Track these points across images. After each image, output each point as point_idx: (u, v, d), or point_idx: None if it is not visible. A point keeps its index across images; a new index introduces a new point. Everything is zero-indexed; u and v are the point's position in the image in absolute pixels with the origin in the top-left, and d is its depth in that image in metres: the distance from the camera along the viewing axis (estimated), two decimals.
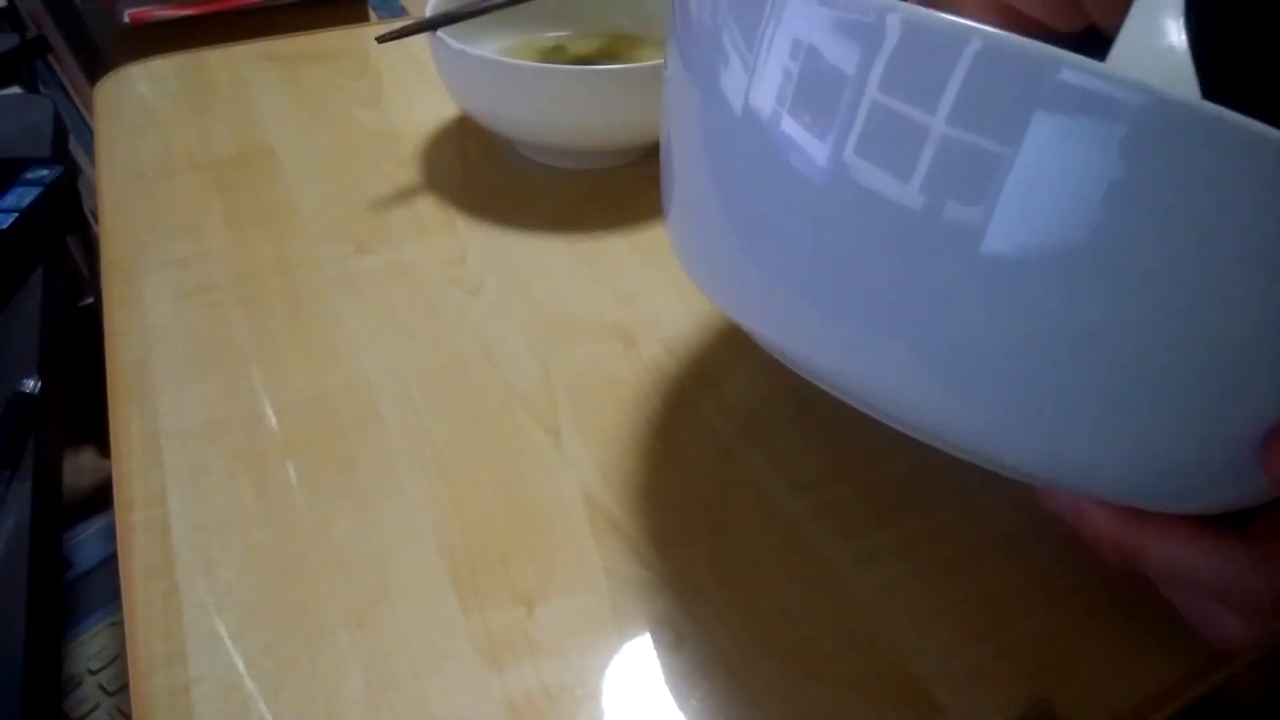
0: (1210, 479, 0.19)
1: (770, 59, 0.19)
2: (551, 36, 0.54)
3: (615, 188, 0.47)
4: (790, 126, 0.18)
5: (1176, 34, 0.24)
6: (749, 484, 0.31)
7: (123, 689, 0.63)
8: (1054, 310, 0.16)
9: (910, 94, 0.16)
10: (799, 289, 0.20)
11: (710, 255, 0.23)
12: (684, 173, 0.23)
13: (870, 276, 0.18)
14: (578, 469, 0.31)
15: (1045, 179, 0.16)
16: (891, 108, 0.17)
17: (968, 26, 0.16)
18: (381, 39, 0.45)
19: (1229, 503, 0.20)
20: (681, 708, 0.25)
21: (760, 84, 0.19)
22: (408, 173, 0.48)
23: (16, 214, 0.62)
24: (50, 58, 1.03)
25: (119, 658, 0.64)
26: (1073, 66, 0.15)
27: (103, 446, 0.89)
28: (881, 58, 0.16)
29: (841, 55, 0.17)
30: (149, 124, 0.52)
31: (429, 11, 0.45)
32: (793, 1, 0.18)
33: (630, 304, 0.39)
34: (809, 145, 0.18)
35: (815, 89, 0.18)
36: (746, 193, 0.20)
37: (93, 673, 0.64)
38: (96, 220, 0.47)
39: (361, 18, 1.01)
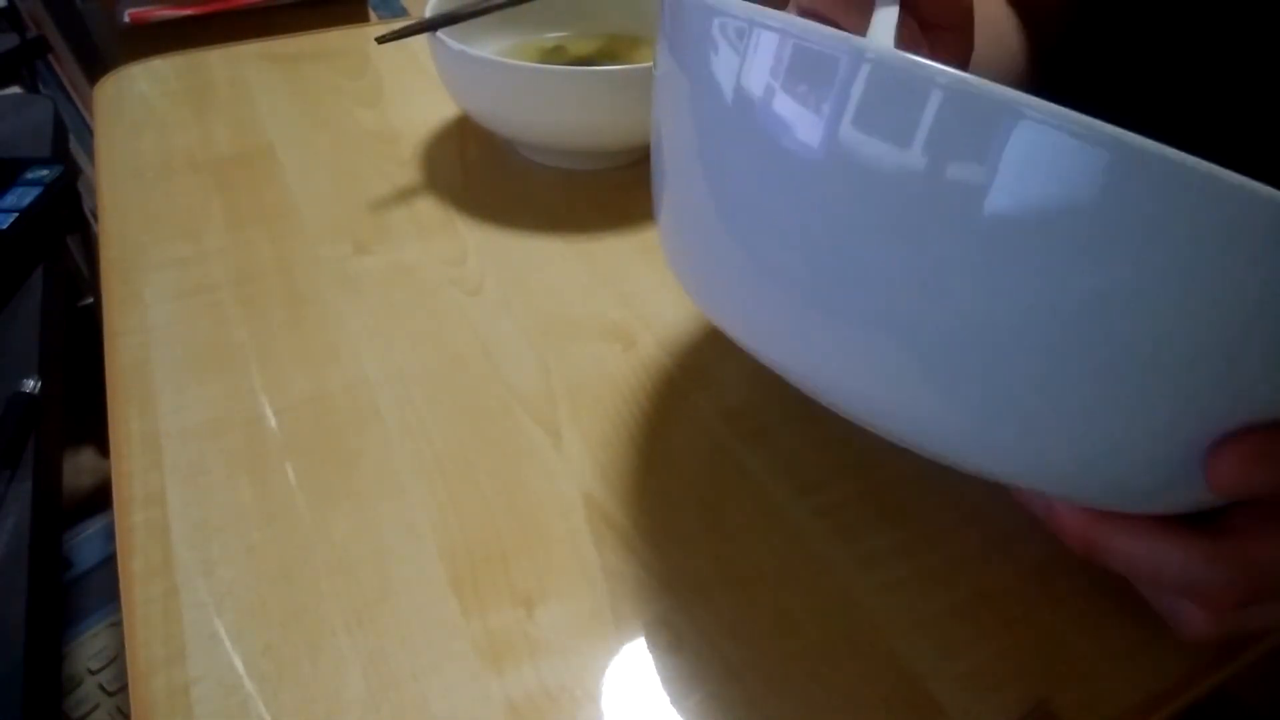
0: (1165, 486, 0.19)
1: (762, 40, 0.19)
2: (551, 36, 0.54)
3: (615, 188, 0.47)
4: (782, 105, 0.19)
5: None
6: (749, 485, 0.31)
7: (123, 689, 0.63)
8: (1016, 332, 0.17)
9: (884, 131, 0.17)
10: (782, 285, 0.20)
11: (700, 262, 0.24)
12: (675, 170, 0.24)
13: (855, 269, 0.19)
14: (577, 469, 0.31)
15: (1013, 220, 0.16)
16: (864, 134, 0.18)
17: (933, 69, 0.16)
18: (381, 39, 0.45)
19: (1187, 506, 0.20)
20: (681, 708, 0.25)
21: (753, 64, 0.20)
22: (408, 173, 0.48)
23: (16, 214, 0.62)
24: (50, 58, 1.04)
25: (119, 658, 0.64)
26: (1036, 111, 0.15)
27: (103, 446, 0.89)
28: (851, 103, 0.17)
29: (812, 93, 0.18)
30: (149, 124, 0.52)
31: (429, 12, 0.45)
32: (765, 38, 0.19)
33: (630, 304, 0.39)
34: (801, 126, 0.19)
35: (808, 63, 0.18)
36: (735, 188, 0.21)
37: (93, 673, 0.64)
38: (96, 220, 0.47)
39: (361, 18, 1.02)
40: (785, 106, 0.19)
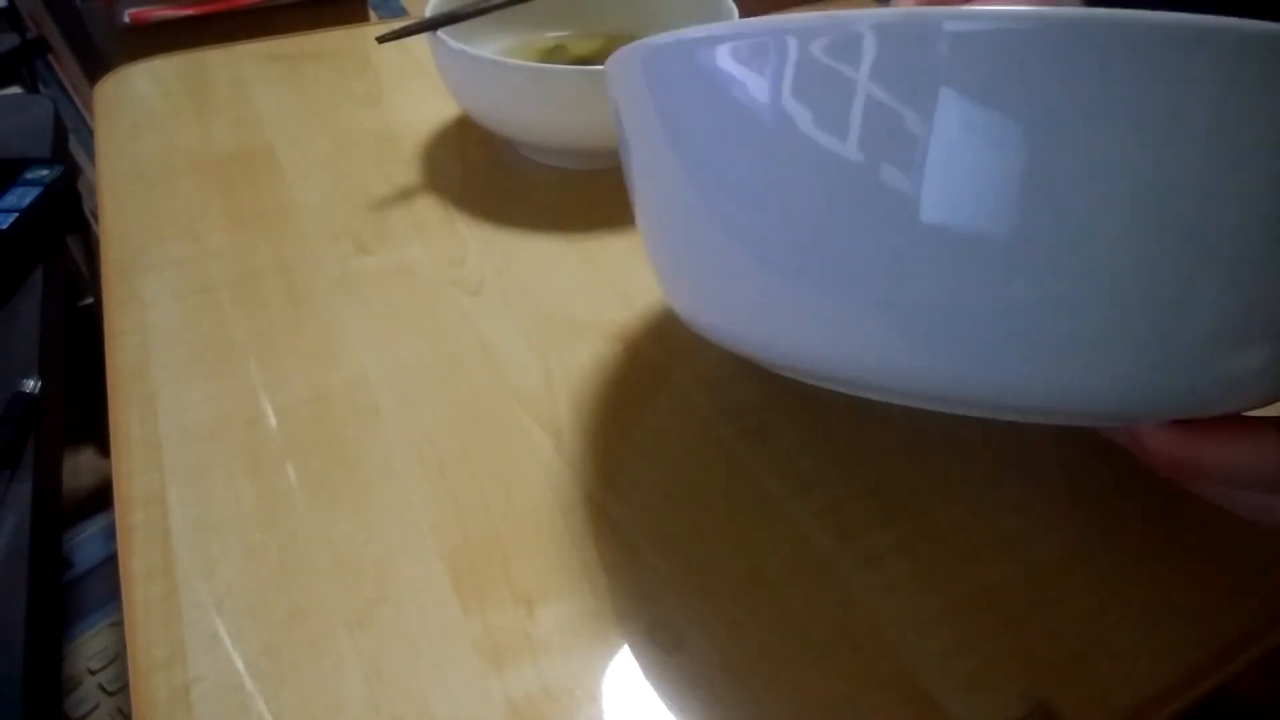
0: (1225, 377, 0.19)
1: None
2: (551, 36, 0.54)
3: (615, 188, 0.47)
4: (743, 83, 0.19)
5: None
6: (750, 485, 0.31)
7: (123, 689, 0.63)
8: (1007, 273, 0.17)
9: (828, 82, 0.17)
10: (760, 258, 0.21)
11: (677, 260, 0.24)
12: (642, 178, 0.24)
13: (830, 240, 0.19)
14: (577, 469, 0.31)
15: (965, 143, 0.16)
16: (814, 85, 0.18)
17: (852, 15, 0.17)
18: (381, 39, 0.45)
19: (1268, 395, 0.20)
20: (681, 708, 0.25)
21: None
22: (408, 173, 0.48)
23: (16, 214, 0.62)
24: (50, 58, 1.04)
25: (119, 658, 0.64)
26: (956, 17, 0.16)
27: (103, 446, 0.89)
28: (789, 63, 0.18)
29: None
30: (149, 124, 0.52)
31: (429, 11, 0.45)
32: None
33: (630, 304, 0.39)
34: (753, 86, 0.19)
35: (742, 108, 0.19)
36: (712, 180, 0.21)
37: (93, 673, 0.64)
38: (96, 220, 0.47)
39: (361, 18, 1.02)
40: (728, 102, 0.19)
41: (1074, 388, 0.18)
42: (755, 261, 0.21)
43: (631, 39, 0.54)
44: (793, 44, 0.18)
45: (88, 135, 0.95)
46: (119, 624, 0.27)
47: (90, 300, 0.94)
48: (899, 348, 0.19)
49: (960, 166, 0.17)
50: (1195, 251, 0.17)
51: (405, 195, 0.46)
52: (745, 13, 0.47)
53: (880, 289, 0.19)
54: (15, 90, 1.02)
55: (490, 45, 0.51)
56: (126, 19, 0.89)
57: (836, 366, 0.21)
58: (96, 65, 0.92)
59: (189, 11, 0.91)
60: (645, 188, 0.24)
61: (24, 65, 1.03)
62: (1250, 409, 0.20)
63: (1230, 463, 0.21)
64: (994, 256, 0.17)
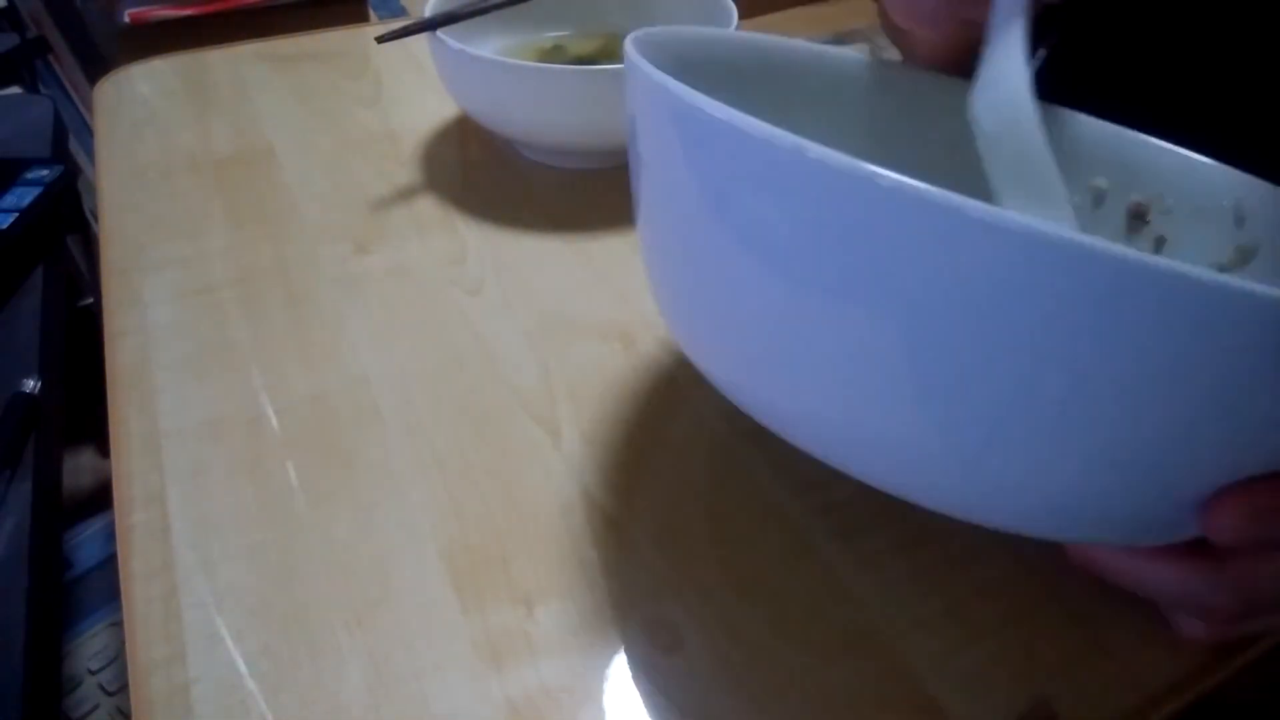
0: (1165, 528, 0.21)
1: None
2: (551, 36, 0.54)
3: (615, 188, 0.47)
4: (730, 261, 0.21)
5: (1020, 68, 0.27)
6: (749, 484, 0.31)
7: (123, 689, 0.63)
8: (1016, 403, 0.18)
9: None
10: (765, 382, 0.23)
11: (673, 310, 0.26)
12: (662, 253, 0.25)
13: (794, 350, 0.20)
14: (577, 468, 0.31)
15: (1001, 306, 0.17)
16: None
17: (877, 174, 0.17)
18: (381, 39, 0.45)
19: (1183, 538, 0.21)
20: (681, 708, 0.25)
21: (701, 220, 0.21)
22: (408, 173, 0.48)
23: (16, 214, 0.62)
24: (50, 58, 1.04)
25: (119, 658, 0.64)
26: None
27: (103, 446, 0.89)
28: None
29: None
30: (149, 124, 0.52)
31: (429, 11, 0.45)
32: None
33: (630, 303, 0.39)
34: (753, 280, 0.20)
35: (757, 230, 0.20)
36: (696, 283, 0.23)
37: (93, 673, 0.64)
38: (96, 220, 0.47)
39: (361, 18, 1.01)
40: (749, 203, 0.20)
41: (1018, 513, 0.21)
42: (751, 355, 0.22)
43: None
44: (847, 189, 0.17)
45: (88, 135, 0.95)
46: (119, 624, 0.27)
47: (90, 300, 0.94)
48: (881, 465, 0.22)
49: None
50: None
51: (405, 195, 0.46)
52: (745, 14, 0.47)
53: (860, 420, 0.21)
54: (15, 90, 1.02)
55: (490, 45, 0.51)
56: (126, 19, 0.89)
57: (806, 444, 0.24)
58: (96, 65, 0.92)
59: (189, 11, 0.91)
60: (654, 218, 0.24)
61: (24, 65, 1.03)
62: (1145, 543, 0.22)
63: (1133, 577, 0.23)
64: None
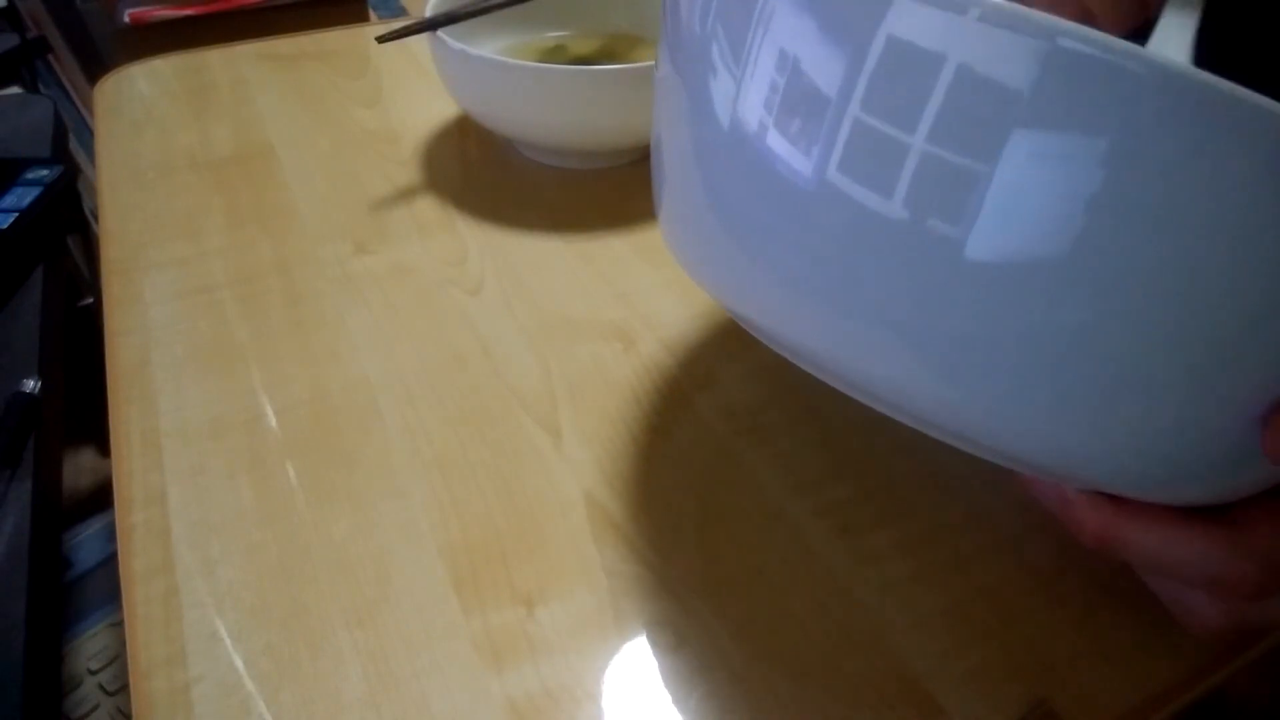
0: (1207, 465, 0.19)
1: (757, 69, 0.19)
2: (551, 36, 0.54)
3: (615, 188, 0.47)
4: (776, 139, 0.18)
5: (1185, 47, 0.25)
6: (749, 484, 0.31)
7: (123, 689, 0.63)
8: (1043, 309, 0.16)
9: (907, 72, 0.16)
10: (792, 286, 0.20)
11: (702, 251, 0.23)
12: (674, 173, 0.23)
13: (861, 279, 0.18)
14: (578, 469, 0.31)
15: (1031, 179, 0.16)
16: (881, 91, 0.17)
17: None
18: (381, 39, 0.45)
19: (1221, 492, 0.20)
20: (681, 708, 0.25)
21: (747, 95, 0.19)
22: (408, 173, 0.48)
23: (16, 214, 0.62)
24: (50, 58, 1.04)
25: (119, 658, 0.64)
26: (1072, 34, 0.15)
27: (103, 446, 0.89)
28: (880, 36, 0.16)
29: (828, 61, 0.17)
30: (149, 124, 0.52)
31: (429, 11, 0.45)
32: (780, 6, 0.18)
33: (630, 304, 0.39)
34: (795, 158, 0.18)
35: (800, 100, 0.18)
36: (737, 197, 0.20)
37: (93, 673, 0.64)
38: (96, 220, 0.47)
39: (361, 18, 1.02)
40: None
41: (1059, 437, 0.18)
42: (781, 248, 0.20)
43: (632, 39, 0.55)
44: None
45: (88, 135, 0.95)
46: (119, 624, 0.27)
47: (90, 300, 0.94)
48: (905, 364, 0.19)
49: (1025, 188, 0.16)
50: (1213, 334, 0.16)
51: (405, 195, 0.46)
52: None
53: (901, 310, 0.18)
54: (15, 90, 1.02)
55: (490, 45, 0.51)
56: (126, 19, 0.89)
57: (834, 365, 0.21)
58: (96, 65, 0.92)
59: (189, 11, 0.91)
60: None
61: (24, 65, 1.03)
62: (1197, 502, 0.20)
63: (1153, 547, 0.21)
64: (1036, 288, 0.17)
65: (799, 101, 0.18)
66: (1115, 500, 0.22)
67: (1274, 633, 0.27)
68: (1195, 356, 0.16)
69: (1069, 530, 0.23)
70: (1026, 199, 0.16)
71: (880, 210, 0.17)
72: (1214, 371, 0.17)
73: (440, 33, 0.43)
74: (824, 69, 0.17)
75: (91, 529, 0.73)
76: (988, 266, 0.16)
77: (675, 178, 0.23)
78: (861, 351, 0.19)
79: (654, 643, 0.26)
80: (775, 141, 0.19)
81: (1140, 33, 0.28)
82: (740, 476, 0.31)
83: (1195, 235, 0.15)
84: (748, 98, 0.19)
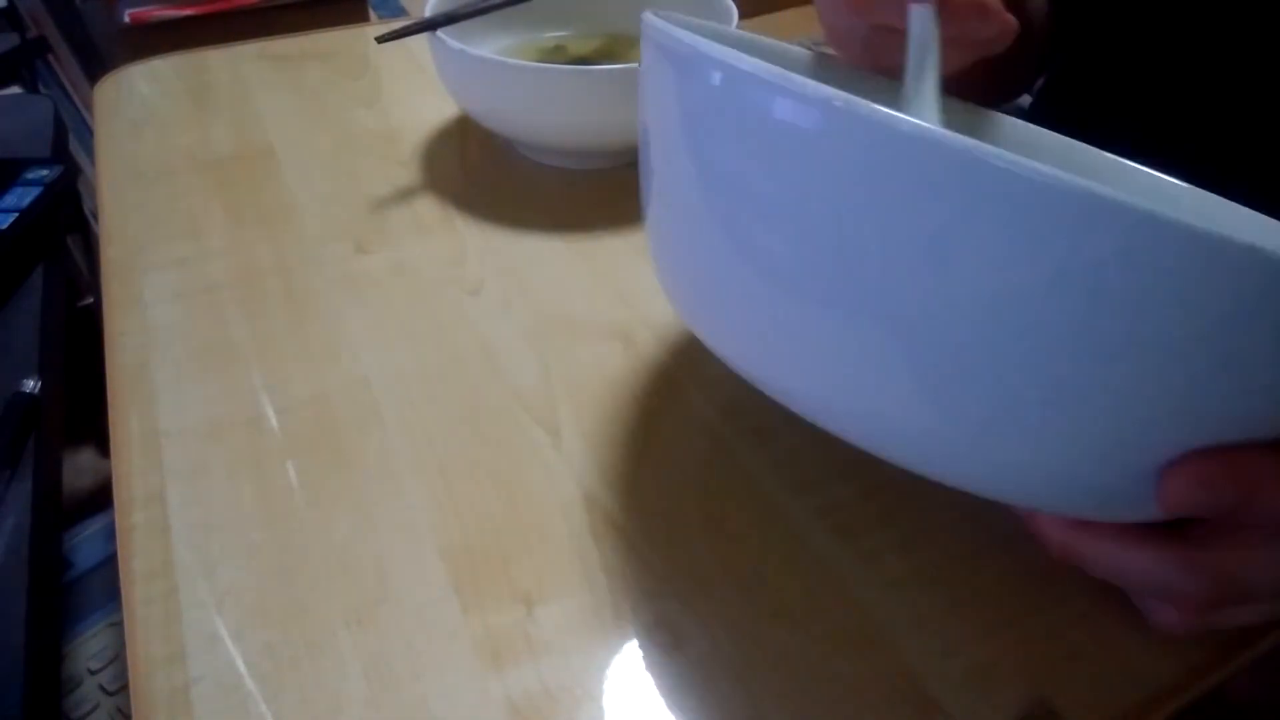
0: (1128, 502, 0.21)
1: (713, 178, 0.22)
2: (551, 36, 0.54)
3: (615, 188, 0.47)
4: (732, 229, 0.22)
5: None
6: (749, 484, 0.31)
7: (123, 689, 0.63)
8: (989, 368, 0.19)
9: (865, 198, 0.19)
10: (751, 350, 0.24)
11: (690, 308, 0.26)
12: (663, 244, 0.26)
13: (825, 353, 0.21)
14: (577, 469, 0.31)
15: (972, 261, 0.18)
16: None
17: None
18: (381, 39, 0.45)
19: (1152, 517, 0.22)
20: (681, 708, 0.25)
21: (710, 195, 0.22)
22: (408, 173, 0.48)
23: (16, 214, 0.62)
24: (50, 58, 1.04)
25: (119, 658, 0.64)
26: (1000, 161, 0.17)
27: (103, 446, 0.89)
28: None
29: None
30: (149, 124, 0.52)
31: (429, 11, 0.45)
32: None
33: (629, 304, 0.39)
34: (751, 253, 0.21)
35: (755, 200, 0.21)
36: (706, 260, 0.23)
37: (93, 673, 0.64)
38: (96, 220, 0.47)
39: (361, 18, 1.02)
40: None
41: (1005, 476, 0.21)
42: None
43: (632, 39, 0.55)
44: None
45: (88, 135, 0.95)
46: (119, 624, 0.27)
47: (90, 300, 0.94)
48: (862, 413, 0.22)
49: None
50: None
51: (405, 195, 0.46)
52: (744, 13, 0.47)
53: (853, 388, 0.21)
54: (15, 90, 1.02)
55: (490, 45, 0.51)
56: (126, 19, 0.89)
57: (809, 410, 0.24)
58: (96, 65, 0.92)
59: (189, 11, 0.91)
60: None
61: (24, 65, 1.03)
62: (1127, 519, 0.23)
63: (1109, 561, 0.23)
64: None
65: (756, 197, 0.21)
66: (1075, 519, 0.24)
67: (1274, 634, 0.27)
68: (1112, 419, 0.19)
69: (1038, 542, 0.25)
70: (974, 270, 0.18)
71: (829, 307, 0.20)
72: (1129, 431, 0.19)
73: (440, 33, 0.43)
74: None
75: (91, 529, 0.73)
76: (933, 344, 0.19)
77: (665, 249, 0.27)
78: (827, 403, 0.23)
79: (654, 643, 0.26)
80: (731, 230, 0.22)
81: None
82: (740, 476, 0.31)
83: (1127, 331, 0.18)
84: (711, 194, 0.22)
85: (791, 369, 0.22)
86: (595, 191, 0.46)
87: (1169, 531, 0.22)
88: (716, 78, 0.20)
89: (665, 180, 0.24)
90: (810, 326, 0.21)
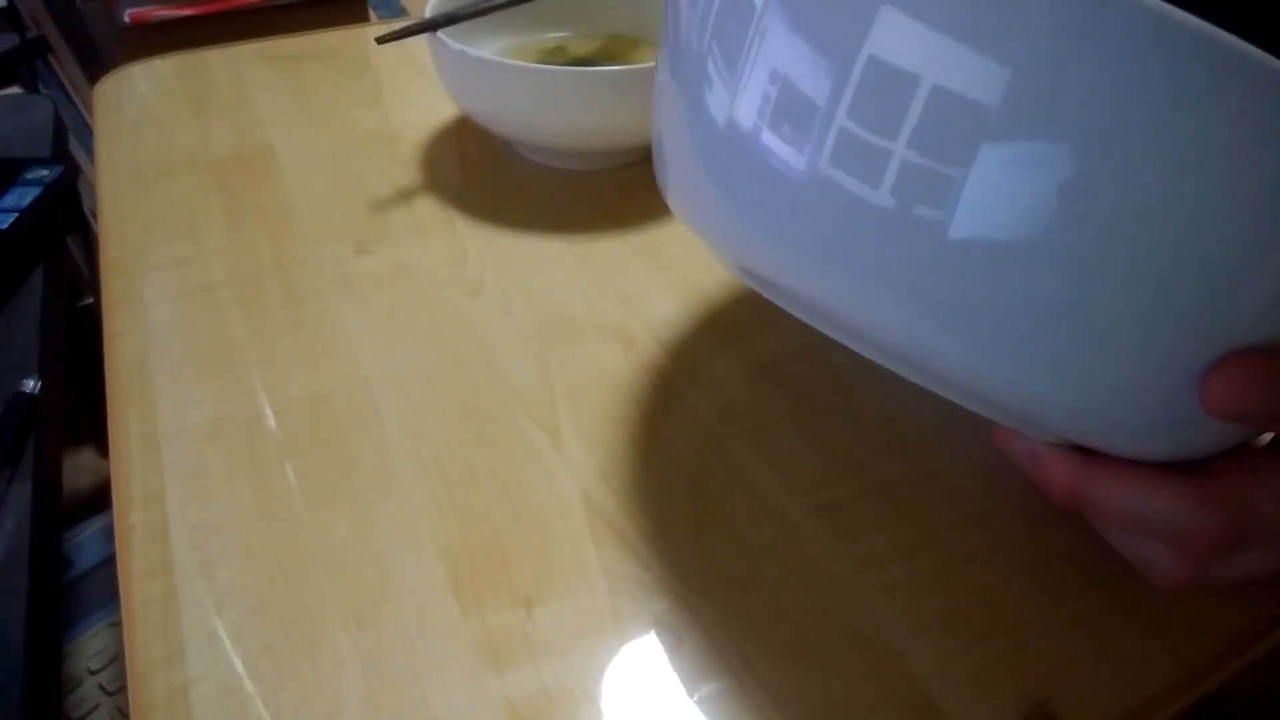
0: (1165, 418, 0.19)
1: (754, 71, 0.20)
2: (551, 37, 0.54)
3: (615, 188, 0.47)
4: (771, 138, 0.20)
5: None
6: (748, 485, 0.31)
7: (123, 689, 0.63)
8: (1020, 275, 0.17)
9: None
10: (794, 254, 0.21)
11: (706, 218, 0.24)
12: (677, 147, 0.24)
13: (855, 253, 0.19)
14: (577, 469, 0.31)
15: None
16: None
17: None
18: (381, 39, 0.45)
19: (1188, 448, 0.21)
20: (680, 708, 0.25)
21: (745, 95, 0.20)
22: (408, 173, 0.48)
23: (16, 214, 0.62)
24: (50, 58, 1.04)
25: (119, 658, 0.64)
26: None
27: (103, 446, 0.89)
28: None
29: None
30: (149, 124, 0.52)
31: (429, 12, 0.45)
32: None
33: (629, 304, 0.39)
34: (790, 155, 0.19)
35: (796, 103, 0.19)
36: (738, 178, 0.21)
37: (93, 673, 0.64)
38: (96, 220, 0.47)
39: (361, 18, 1.02)
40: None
41: (1029, 385, 0.19)
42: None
43: (632, 39, 0.55)
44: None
45: (88, 135, 0.95)
46: (119, 624, 0.27)
47: (90, 300, 0.94)
48: (891, 312, 0.20)
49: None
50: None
51: (405, 195, 0.46)
52: None
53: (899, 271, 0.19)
54: (15, 90, 1.02)
55: (490, 45, 0.51)
56: (126, 19, 0.89)
57: (834, 317, 0.21)
58: (96, 65, 0.92)
59: (189, 11, 0.91)
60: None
61: (24, 65, 1.03)
62: (1169, 458, 0.21)
63: (1122, 499, 0.22)
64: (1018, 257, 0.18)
65: (794, 104, 0.19)
66: (1085, 454, 0.22)
67: (1275, 633, 0.27)
68: (1145, 313, 0.17)
69: (1040, 488, 0.23)
70: (1001, 185, 0.17)
71: (870, 200, 0.18)
72: (1161, 327, 0.18)
73: (440, 33, 0.43)
74: (816, 74, 0.18)
75: (91, 529, 0.73)
76: (969, 242, 0.18)
77: (679, 151, 0.24)
78: (860, 305, 0.20)
79: (652, 643, 0.26)
80: (771, 139, 0.20)
81: None
82: (739, 477, 0.31)
83: (1166, 192, 0.16)
84: (746, 97, 0.20)
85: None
86: (595, 191, 0.46)
87: (1183, 469, 0.21)
88: None
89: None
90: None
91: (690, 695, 0.25)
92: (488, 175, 0.48)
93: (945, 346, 0.19)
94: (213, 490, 0.30)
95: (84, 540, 0.72)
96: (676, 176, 0.24)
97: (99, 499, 0.81)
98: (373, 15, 1.05)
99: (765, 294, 0.24)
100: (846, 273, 0.20)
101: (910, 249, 0.18)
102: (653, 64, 0.41)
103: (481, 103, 0.45)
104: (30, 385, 0.58)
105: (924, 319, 0.19)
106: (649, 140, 0.49)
